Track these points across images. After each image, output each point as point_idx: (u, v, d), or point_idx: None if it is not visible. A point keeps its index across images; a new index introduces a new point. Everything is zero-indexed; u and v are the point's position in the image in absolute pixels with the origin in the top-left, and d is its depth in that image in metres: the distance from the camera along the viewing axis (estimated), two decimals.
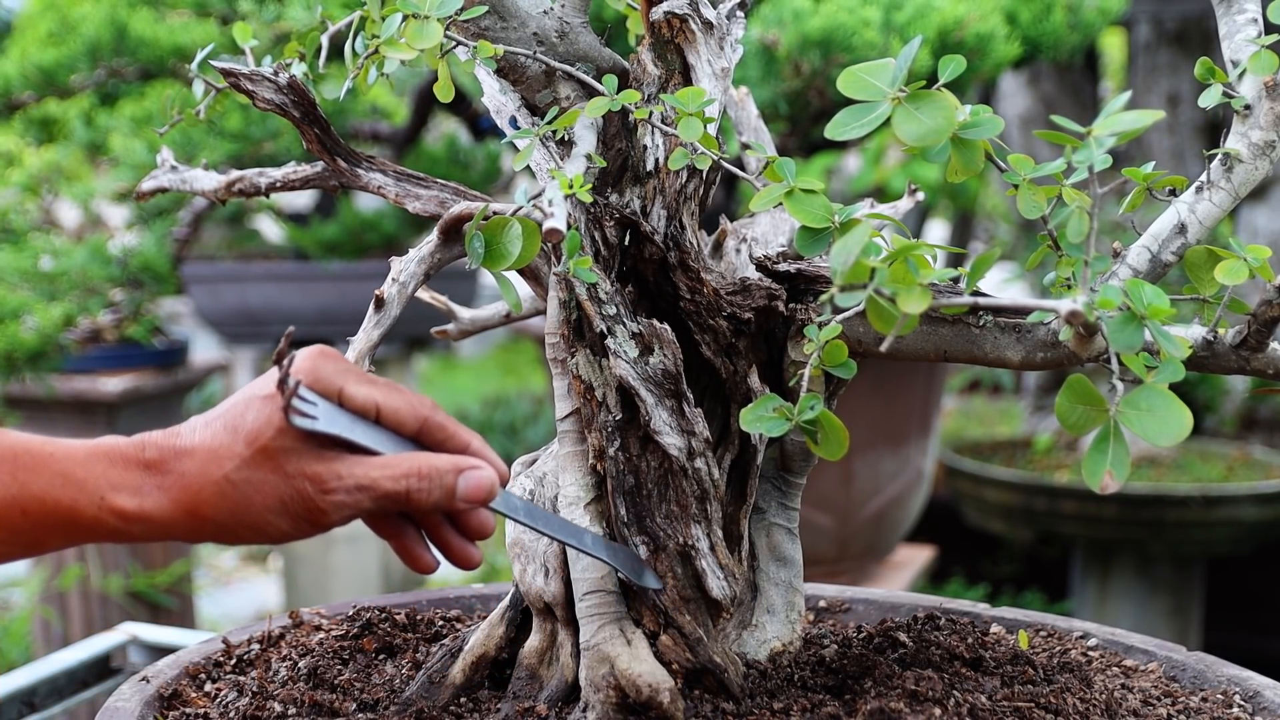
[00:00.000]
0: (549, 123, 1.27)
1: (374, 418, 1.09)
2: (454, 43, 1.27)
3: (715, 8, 1.34)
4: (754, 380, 1.32)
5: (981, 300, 1.01)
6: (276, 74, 1.36)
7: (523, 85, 1.35)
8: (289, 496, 1.06)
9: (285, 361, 1.05)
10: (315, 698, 1.33)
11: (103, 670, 1.96)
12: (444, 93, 1.31)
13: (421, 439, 1.12)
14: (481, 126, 4.40)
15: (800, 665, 1.37)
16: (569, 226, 1.21)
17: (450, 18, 1.22)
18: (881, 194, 4.56)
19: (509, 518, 1.17)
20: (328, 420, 1.06)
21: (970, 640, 1.42)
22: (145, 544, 3.90)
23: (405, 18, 1.22)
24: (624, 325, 1.27)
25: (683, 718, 1.25)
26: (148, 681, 1.41)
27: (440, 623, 1.59)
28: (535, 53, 1.31)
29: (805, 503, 1.47)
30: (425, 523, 1.15)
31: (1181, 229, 1.21)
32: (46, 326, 3.43)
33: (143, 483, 1.07)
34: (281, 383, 1.04)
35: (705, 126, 1.19)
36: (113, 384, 3.80)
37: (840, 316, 1.10)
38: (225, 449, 1.06)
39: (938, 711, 1.23)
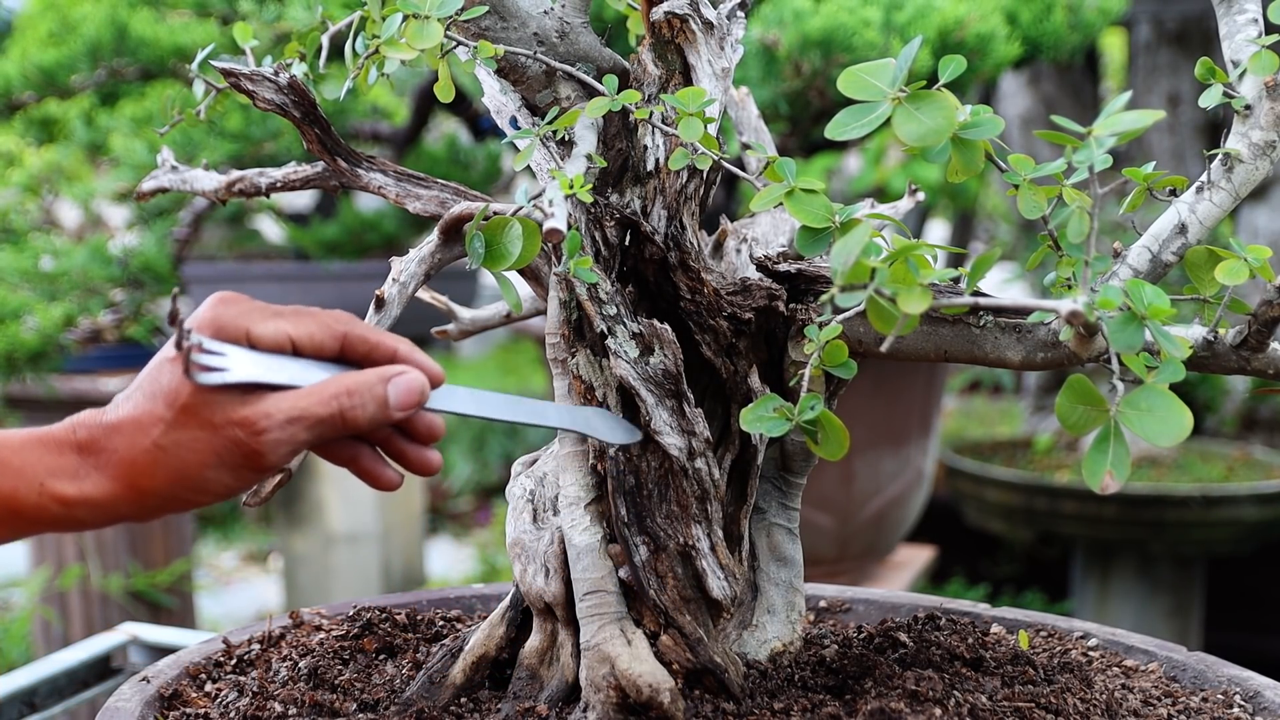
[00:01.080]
0: (549, 123, 1.27)
1: (290, 349, 1.07)
2: (454, 43, 1.27)
3: (716, 8, 1.34)
4: (754, 380, 1.32)
5: (982, 300, 1.01)
6: (277, 74, 1.36)
7: (523, 85, 1.35)
8: (222, 448, 1.04)
9: (179, 321, 1.02)
10: (316, 698, 1.33)
11: (103, 670, 1.96)
12: (444, 93, 1.31)
13: (346, 356, 1.09)
14: (482, 126, 4.40)
15: (801, 665, 1.37)
16: (569, 227, 1.21)
17: (450, 18, 1.22)
18: (882, 194, 4.56)
19: (453, 413, 1.14)
20: (239, 367, 1.04)
21: (971, 640, 1.42)
22: (143, 533, 3.90)
23: (405, 18, 1.22)
24: (624, 325, 1.27)
25: (683, 718, 1.25)
26: (148, 681, 1.41)
27: (441, 623, 1.59)
28: (536, 53, 1.31)
29: (806, 503, 1.47)
30: (375, 439, 1.13)
31: (1182, 229, 1.21)
32: (47, 327, 3.43)
33: (79, 466, 1.05)
34: (178, 343, 1.01)
35: (706, 127, 1.19)
36: (113, 384, 3.80)
37: (841, 316, 1.10)
38: (148, 416, 1.04)
39: (938, 712, 1.23)
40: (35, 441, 1.06)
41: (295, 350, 1.07)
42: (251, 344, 1.06)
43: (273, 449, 1.05)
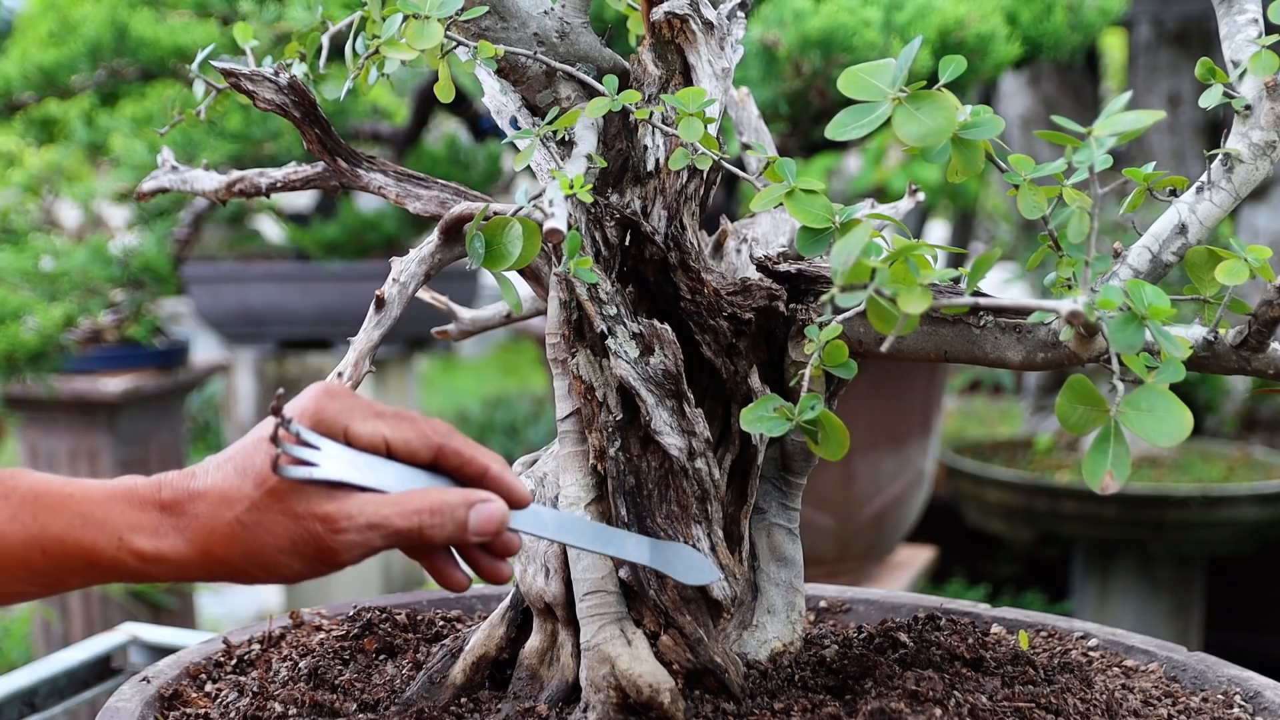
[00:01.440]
0: (550, 123, 1.27)
1: (384, 452, 1.09)
2: (454, 43, 1.27)
3: (716, 8, 1.34)
4: (754, 380, 1.32)
5: (982, 300, 1.01)
6: (277, 74, 1.36)
7: (523, 85, 1.35)
8: (299, 538, 1.06)
9: (280, 411, 1.03)
10: (316, 698, 1.33)
11: (103, 670, 1.96)
12: (444, 93, 1.31)
13: (439, 465, 1.11)
14: (482, 127, 4.40)
15: (801, 665, 1.37)
16: (569, 227, 1.21)
17: (451, 18, 1.22)
18: (882, 194, 4.56)
19: (539, 537, 1.16)
20: (330, 464, 1.05)
21: (971, 640, 1.42)
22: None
23: (406, 18, 1.22)
24: (624, 325, 1.27)
25: (683, 718, 1.25)
26: (148, 682, 1.41)
27: (441, 623, 1.59)
28: (536, 53, 1.31)
29: (806, 503, 1.46)
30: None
31: (1182, 229, 1.21)
32: (47, 327, 3.43)
33: (159, 524, 1.07)
34: (274, 436, 1.03)
35: (706, 127, 1.19)
36: (113, 384, 3.80)
37: (841, 317, 1.10)
38: (235, 491, 1.06)
39: (938, 712, 1.23)
40: (120, 496, 1.08)
41: (389, 453, 1.09)
42: (348, 441, 1.07)
43: (347, 549, 1.07)
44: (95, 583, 1.10)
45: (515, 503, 1.12)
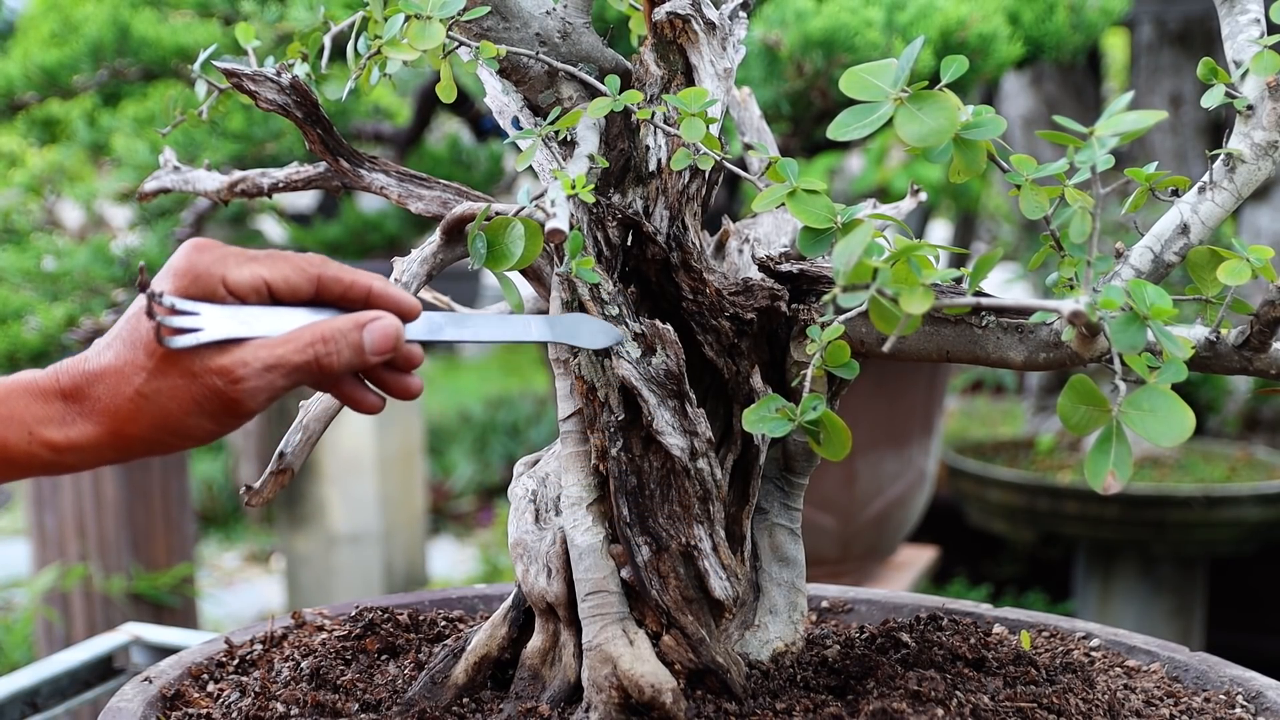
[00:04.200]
0: (551, 123, 1.28)
1: (266, 293, 1.08)
2: (456, 43, 1.27)
3: (718, 8, 1.34)
4: (756, 381, 1.32)
5: (984, 301, 1.01)
6: (279, 74, 1.36)
7: (525, 86, 1.35)
8: (202, 396, 1.05)
9: (147, 286, 1.03)
10: (318, 698, 1.33)
11: (105, 671, 1.96)
12: (446, 93, 1.31)
13: (322, 298, 1.10)
14: (484, 127, 4.40)
15: (803, 665, 1.37)
16: (571, 227, 1.21)
17: (453, 18, 1.22)
18: (884, 194, 4.56)
19: (436, 341, 1.15)
20: (213, 324, 1.05)
21: (973, 641, 1.42)
22: (145, 534, 3.90)
23: (408, 18, 1.22)
24: (626, 325, 1.27)
25: (685, 718, 1.25)
26: (150, 682, 1.41)
27: (443, 623, 1.59)
28: (538, 53, 1.31)
29: (808, 503, 1.47)
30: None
31: (1184, 229, 1.21)
32: (49, 327, 3.43)
33: (65, 412, 1.07)
34: (149, 311, 1.03)
35: (708, 127, 1.19)
36: None
37: (843, 317, 1.10)
38: (129, 364, 1.06)
39: (940, 712, 1.23)
40: (21, 389, 1.08)
41: (271, 294, 1.09)
42: (227, 288, 1.07)
43: (251, 396, 1.06)
44: (14, 477, 1.10)
45: (405, 314, 1.12)
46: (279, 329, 1.07)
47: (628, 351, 1.26)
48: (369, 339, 1.09)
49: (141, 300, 1.06)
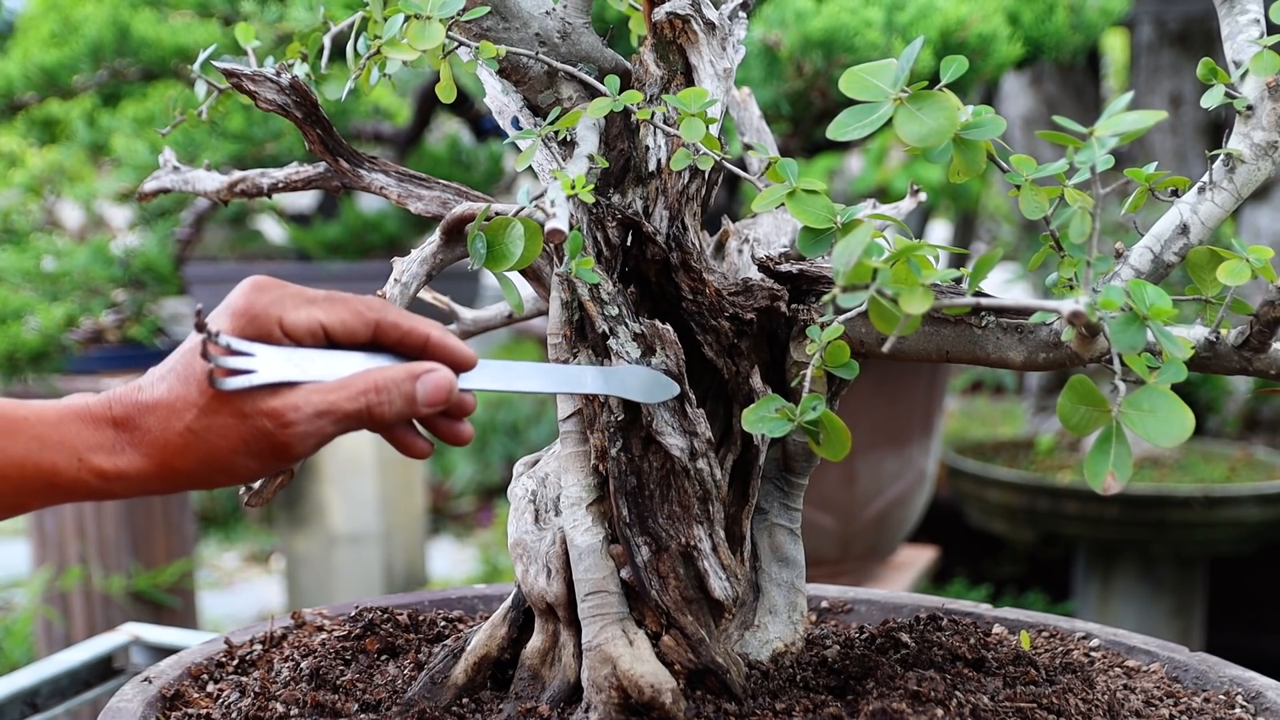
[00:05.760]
0: (551, 123, 1.28)
1: (323, 336, 1.08)
2: (456, 43, 1.27)
3: (717, 8, 1.34)
4: (756, 381, 1.32)
5: (984, 301, 1.01)
6: (279, 75, 1.36)
7: (525, 86, 1.35)
8: (251, 437, 1.05)
9: (204, 326, 1.03)
10: (317, 698, 1.33)
11: (105, 671, 1.96)
12: (446, 93, 1.31)
13: (378, 343, 1.10)
14: (484, 127, 4.40)
15: (802, 666, 1.37)
16: (571, 227, 1.22)
17: (452, 18, 1.22)
18: (884, 194, 4.56)
19: (489, 390, 1.15)
20: (267, 367, 1.04)
21: (972, 641, 1.42)
22: (145, 533, 3.90)
23: (407, 18, 1.22)
24: (626, 326, 1.27)
25: (685, 718, 1.25)
26: (150, 682, 1.41)
27: (442, 623, 1.59)
28: (537, 53, 1.31)
29: (808, 503, 1.47)
30: None
31: (1184, 229, 1.21)
32: (49, 327, 3.43)
33: (115, 441, 1.07)
34: (204, 352, 1.03)
35: (708, 127, 1.19)
36: (115, 385, 3.79)
37: (843, 317, 1.10)
38: (182, 400, 1.05)
39: (940, 712, 1.23)
40: (73, 416, 1.08)
41: (327, 336, 1.08)
42: (284, 330, 1.07)
43: (300, 441, 1.06)
44: (59, 502, 1.10)
45: (460, 365, 1.11)
46: (333, 374, 1.07)
47: (627, 351, 1.26)
48: (422, 391, 1.09)
49: (196, 336, 1.06)
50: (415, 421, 1.14)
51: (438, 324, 1.12)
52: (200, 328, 1.03)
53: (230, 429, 1.05)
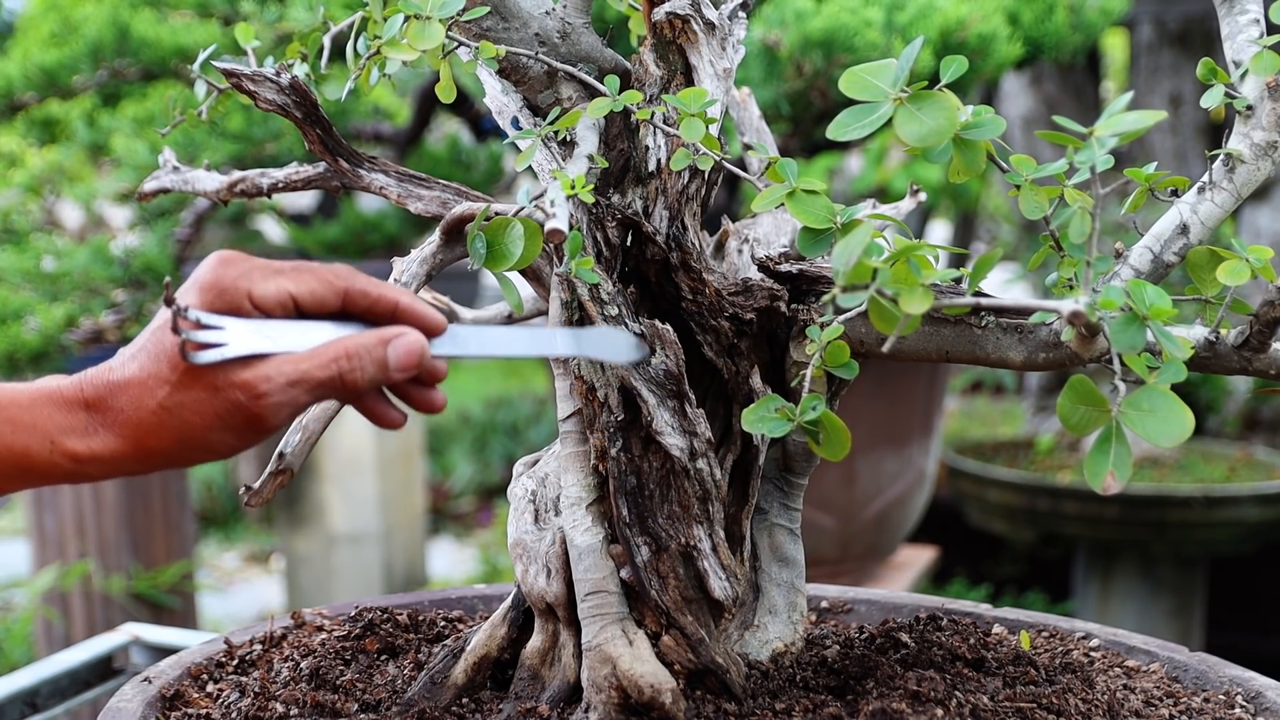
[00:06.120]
0: (551, 123, 1.28)
1: (292, 306, 1.08)
2: (456, 43, 1.27)
3: (717, 8, 1.34)
4: (756, 381, 1.32)
5: (983, 301, 1.01)
6: (279, 75, 1.36)
7: (525, 86, 1.35)
8: (224, 410, 1.05)
9: (172, 301, 1.03)
10: (317, 698, 1.33)
11: (105, 671, 1.96)
12: (446, 93, 1.31)
13: (348, 311, 1.10)
14: (484, 127, 4.40)
15: (802, 666, 1.37)
16: (571, 227, 1.22)
17: (452, 19, 1.22)
18: (884, 194, 4.56)
19: (460, 357, 1.14)
20: (238, 339, 1.04)
21: (972, 641, 1.42)
22: (145, 533, 3.90)
23: (407, 18, 1.22)
24: (626, 326, 1.27)
25: (685, 718, 1.25)
26: (150, 682, 1.41)
27: (442, 623, 1.59)
28: (537, 53, 1.31)
29: (807, 503, 1.47)
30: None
31: (1184, 229, 1.21)
32: (49, 327, 3.43)
33: (88, 423, 1.06)
34: (174, 326, 1.02)
35: (707, 127, 1.19)
36: None
37: (842, 317, 1.10)
38: (153, 378, 1.05)
39: (940, 712, 1.23)
40: (45, 398, 1.07)
41: (297, 307, 1.08)
42: (253, 303, 1.06)
43: (274, 412, 1.06)
44: (35, 485, 1.10)
45: (431, 330, 1.11)
46: (304, 344, 1.07)
47: None
48: (393, 355, 1.08)
49: (166, 313, 1.05)
50: (388, 391, 1.13)
51: (407, 290, 1.11)
52: (169, 302, 1.03)
53: (203, 404, 1.05)
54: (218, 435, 1.06)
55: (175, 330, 1.03)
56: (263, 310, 1.07)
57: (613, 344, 1.21)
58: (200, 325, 1.04)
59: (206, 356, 1.03)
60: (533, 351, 1.20)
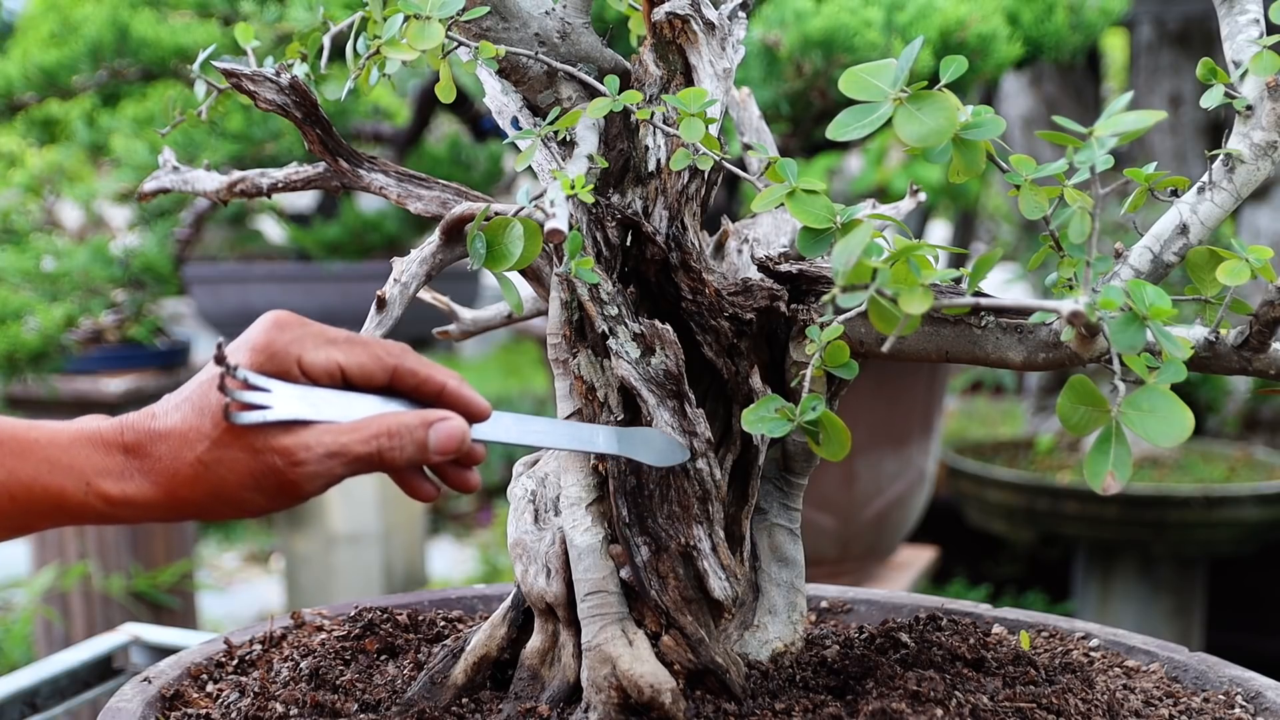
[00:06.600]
0: (551, 123, 1.27)
1: (340, 378, 1.08)
2: (456, 43, 1.27)
3: (717, 8, 1.34)
4: (756, 381, 1.32)
5: (983, 301, 1.01)
6: (278, 75, 1.36)
7: (525, 86, 1.35)
8: (260, 473, 1.06)
9: (223, 359, 1.03)
10: (317, 698, 1.33)
11: (105, 671, 1.96)
12: (446, 93, 1.31)
13: (394, 388, 1.10)
14: (483, 127, 4.40)
15: (802, 666, 1.37)
16: (571, 227, 1.22)
17: (452, 18, 1.22)
18: (883, 194, 4.55)
19: (501, 444, 1.16)
20: (282, 404, 1.05)
21: (972, 641, 1.42)
22: (145, 533, 3.90)
23: (407, 18, 1.22)
24: (626, 326, 1.27)
25: (684, 718, 1.25)
26: (150, 682, 1.41)
27: (442, 623, 1.59)
28: (537, 53, 1.31)
29: (807, 503, 1.47)
30: None
31: (1183, 229, 1.21)
32: (48, 327, 3.43)
33: (125, 466, 1.07)
34: (221, 385, 1.03)
35: (707, 127, 1.19)
36: (115, 385, 3.80)
37: (842, 317, 1.10)
38: (195, 431, 1.06)
39: (939, 712, 1.23)
40: (84, 439, 1.08)
41: (345, 378, 1.09)
42: (302, 369, 1.07)
43: (309, 480, 1.07)
44: (65, 524, 1.11)
45: (474, 416, 1.12)
46: (347, 415, 1.07)
47: (627, 351, 1.26)
48: (434, 439, 1.09)
49: (214, 368, 1.06)
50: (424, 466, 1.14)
51: (455, 373, 1.12)
52: (220, 360, 1.03)
53: (240, 463, 1.06)
54: (250, 495, 1.07)
55: (222, 389, 1.03)
56: (310, 378, 1.08)
57: (655, 446, 1.23)
58: (247, 385, 1.04)
59: (249, 417, 1.04)
60: (573, 446, 1.21)
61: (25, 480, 1.06)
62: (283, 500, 1.08)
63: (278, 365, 1.07)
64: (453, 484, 1.15)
